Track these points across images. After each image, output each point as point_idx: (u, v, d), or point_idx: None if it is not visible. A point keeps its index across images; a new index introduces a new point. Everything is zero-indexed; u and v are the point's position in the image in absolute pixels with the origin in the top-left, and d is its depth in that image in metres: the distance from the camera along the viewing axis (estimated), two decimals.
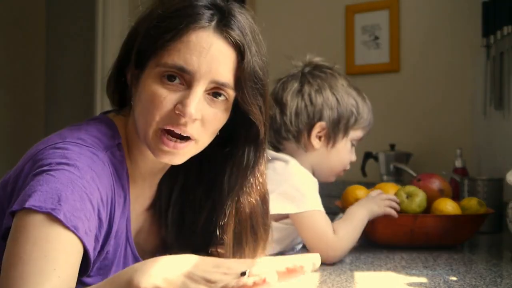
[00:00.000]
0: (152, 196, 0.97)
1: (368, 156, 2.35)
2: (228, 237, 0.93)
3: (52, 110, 3.75)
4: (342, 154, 1.36)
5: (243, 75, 0.84)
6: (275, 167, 1.30)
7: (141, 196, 0.94)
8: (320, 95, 1.32)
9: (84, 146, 0.80)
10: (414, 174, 2.04)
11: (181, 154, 0.84)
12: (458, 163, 2.05)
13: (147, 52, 0.83)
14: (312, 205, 1.26)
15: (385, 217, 1.37)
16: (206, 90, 0.83)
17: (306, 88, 1.33)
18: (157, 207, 0.97)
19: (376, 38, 2.57)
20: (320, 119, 1.32)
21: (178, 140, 0.82)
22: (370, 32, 2.58)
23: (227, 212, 0.92)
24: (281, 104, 1.34)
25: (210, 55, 0.81)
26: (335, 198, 1.66)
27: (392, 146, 2.33)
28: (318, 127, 1.32)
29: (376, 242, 1.42)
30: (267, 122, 0.92)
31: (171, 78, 0.81)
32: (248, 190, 0.93)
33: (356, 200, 1.41)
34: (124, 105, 0.93)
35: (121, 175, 0.85)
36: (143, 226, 0.97)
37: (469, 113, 2.30)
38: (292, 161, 1.32)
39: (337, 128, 1.33)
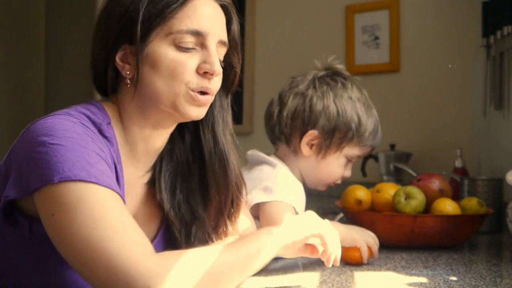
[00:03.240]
0: (150, 169, 0.98)
1: (368, 156, 2.35)
2: (217, 198, 0.98)
3: (52, 109, 3.74)
4: (332, 167, 1.32)
5: (233, 32, 0.94)
6: (262, 169, 1.29)
7: (138, 173, 0.95)
8: (321, 102, 1.28)
9: (74, 118, 0.82)
10: (414, 174, 2.04)
11: (207, 106, 0.91)
12: (458, 163, 2.05)
13: (152, 24, 0.86)
14: (281, 196, 1.21)
15: (385, 217, 1.37)
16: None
17: (309, 92, 1.29)
18: (151, 177, 0.98)
19: (376, 38, 2.57)
20: (314, 127, 1.28)
21: (204, 94, 0.89)
22: (370, 32, 2.58)
23: (215, 170, 0.97)
24: (281, 103, 1.32)
25: (214, 17, 0.89)
26: (335, 198, 1.66)
27: (392, 146, 2.33)
28: (310, 134, 1.28)
29: None
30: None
31: (188, 48, 0.87)
32: (226, 146, 0.98)
33: (356, 200, 1.40)
34: (107, 91, 0.93)
35: (111, 150, 0.86)
36: (143, 199, 0.97)
37: (469, 113, 2.30)
38: (279, 163, 1.30)
39: (330, 140, 1.28)
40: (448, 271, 1.13)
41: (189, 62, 0.86)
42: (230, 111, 1.00)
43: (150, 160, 0.96)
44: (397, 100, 2.49)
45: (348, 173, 1.36)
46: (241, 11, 0.94)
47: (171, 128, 0.94)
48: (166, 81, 0.86)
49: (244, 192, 1.02)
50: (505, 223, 1.38)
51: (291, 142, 1.32)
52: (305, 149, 1.30)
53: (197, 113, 0.89)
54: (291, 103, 1.30)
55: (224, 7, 0.92)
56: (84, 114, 0.84)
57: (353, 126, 1.28)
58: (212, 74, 0.87)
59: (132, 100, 0.89)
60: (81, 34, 3.59)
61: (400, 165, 2.24)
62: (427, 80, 2.43)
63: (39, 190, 0.75)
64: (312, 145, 1.30)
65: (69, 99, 3.78)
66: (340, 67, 1.37)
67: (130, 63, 0.88)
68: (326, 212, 1.98)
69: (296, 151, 1.32)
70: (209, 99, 0.90)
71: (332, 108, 1.28)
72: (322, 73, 1.34)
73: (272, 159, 1.31)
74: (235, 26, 0.95)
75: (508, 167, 1.38)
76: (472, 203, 1.41)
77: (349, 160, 1.33)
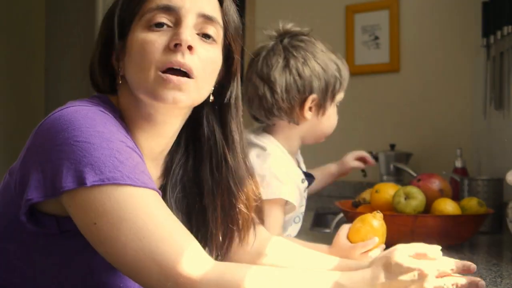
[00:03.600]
0: (160, 176, 0.96)
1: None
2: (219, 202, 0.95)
3: (52, 109, 3.74)
4: (332, 118, 1.38)
5: (226, 11, 0.89)
6: (251, 158, 1.27)
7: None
8: (307, 67, 1.31)
9: (90, 106, 0.80)
10: (414, 174, 2.04)
11: (184, 90, 0.82)
12: (458, 163, 2.05)
13: (130, 12, 0.84)
14: (272, 192, 1.23)
15: (385, 217, 1.36)
16: (195, 28, 0.84)
17: (292, 62, 1.31)
18: (162, 187, 0.96)
19: (376, 38, 2.57)
20: (311, 92, 1.31)
21: (180, 75, 0.82)
22: (370, 32, 2.58)
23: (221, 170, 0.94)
24: (269, 82, 1.31)
25: None
26: (335, 198, 1.66)
27: (392, 146, 2.33)
28: (311, 99, 1.32)
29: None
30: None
31: (158, 25, 0.82)
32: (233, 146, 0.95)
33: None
34: (110, 90, 0.91)
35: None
36: None
37: (469, 113, 2.30)
38: (269, 144, 1.32)
39: (326, 96, 1.33)
40: None
41: (158, 40, 0.81)
42: (239, 104, 0.95)
43: (158, 157, 0.94)
44: (397, 100, 2.49)
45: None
46: (241, 11, 0.93)
47: (168, 124, 0.90)
48: (137, 66, 0.83)
49: (247, 202, 0.97)
50: (505, 223, 1.38)
51: (292, 114, 1.33)
52: (308, 114, 1.33)
53: (172, 97, 0.81)
54: (280, 78, 1.31)
55: None
56: (95, 105, 0.82)
57: (337, 74, 1.33)
58: (181, 45, 0.80)
59: (127, 97, 0.87)
60: (81, 34, 3.59)
61: (400, 165, 2.24)
62: (427, 80, 2.43)
63: (70, 192, 0.72)
64: (311, 107, 1.33)
65: (69, 99, 3.78)
66: (290, 25, 1.39)
67: (122, 59, 0.87)
68: (326, 213, 1.98)
69: (299, 119, 1.34)
70: (184, 81, 0.82)
71: (317, 67, 1.32)
72: (287, 39, 1.35)
73: (262, 141, 1.32)
74: (228, 4, 0.90)
75: (508, 167, 1.38)
76: (472, 203, 1.41)
77: (336, 105, 1.39)
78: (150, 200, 0.75)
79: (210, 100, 0.91)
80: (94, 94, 0.94)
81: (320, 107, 1.33)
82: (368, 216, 1.13)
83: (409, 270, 0.79)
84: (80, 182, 0.71)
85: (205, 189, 0.94)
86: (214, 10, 0.87)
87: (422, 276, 0.79)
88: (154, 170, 0.93)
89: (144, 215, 0.73)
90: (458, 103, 2.34)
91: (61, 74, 3.79)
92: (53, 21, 3.87)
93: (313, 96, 1.31)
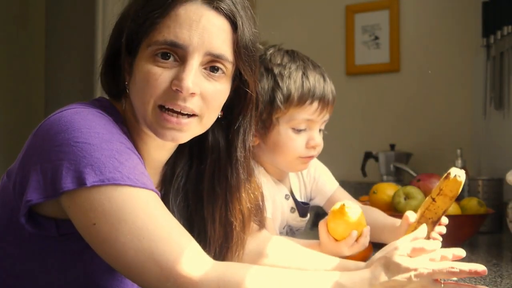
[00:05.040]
0: (158, 186, 0.95)
1: (368, 156, 2.35)
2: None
3: (52, 110, 3.74)
4: (282, 143, 1.20)
5: (239, 45, 0.83)
6: None
7: None
8: None
9: (90, 108, 0.79)
10: (414, 174, 2.04)
11: (185, 130, 0.82)
12: (458, 163, 2.05)
13: (138, 35, 0.82)
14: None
15: None
16: (202, 64, 0.82)
17: None
18: (163, 194, 0.96)
19: (376, 38, 2.57)
20: None
21: (181, 116, 0.81)
22: (370, 32, 2.58)
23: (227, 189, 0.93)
24: None
25: (201, 26, 0.80)
26: None
27: (392, 146, 2.33)
28: None
29: (376, 242, 1.42)
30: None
31: (164, 56, 0.80)
32: (241, 166, 0.93)
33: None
34: (120, 98, 0.90)
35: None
36: None
37: (469, 113, 2.30)
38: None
39: (261, 121, 1.18)
40: None
41: (163, 76, 0.79)
42: (250, 130, 0.93)
43: (159, 165, 0.94)
44: (397, 100, 2.49)
45: (315, 141, 1.20)
46: None
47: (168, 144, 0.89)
48: (138, 95, 0.82)
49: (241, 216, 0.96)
50: (505, 223, 1.38)
51: None
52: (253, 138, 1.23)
53: (171, 136, 0.81)
54: None
55: (226, 16, 0.82)
56: (97, 109, 0.81)
57: (271, 97, 1.18)
58: (181, 92, 0.78)
59: (132, 110, 0.87)
60: (81, 35, 3.59)
61: (400, 165, 2.24)
62: (427, 80, 2.43)
63: (69, 193, 0.72)
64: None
65: (69, 100, 3.77)
66: (265, 46, 1.29)
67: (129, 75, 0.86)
68: (326, 213, 1.98)
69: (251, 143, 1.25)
70: (185, 123, 0.81)
71: None
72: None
73: None
74: (243, 35, 0.83)
75: (508, 167, 1.38)
76: (472, 203, 1.41)
77: (300, 129, 1.20)
78: (149, 200, 0.75)
79: (219, 116, 0.89)
80: (94, 95, 0.93)
81: (260, 132, 1.20)
82: (337, 214, 1.08)
83: (406, 270, 0.79)
84: (80, 182, 0.71)
85: (205, 200, 0.94)
86: (224, 43, 0.82)
87: (419, 276, 0.79)
88: (153, 178, 0.92)
89: (143, 215, 0.73)
90: (458, 103, 2.34)
91: (61, 74, 3.79)
92: (53, 21, 3.86)
93: None
